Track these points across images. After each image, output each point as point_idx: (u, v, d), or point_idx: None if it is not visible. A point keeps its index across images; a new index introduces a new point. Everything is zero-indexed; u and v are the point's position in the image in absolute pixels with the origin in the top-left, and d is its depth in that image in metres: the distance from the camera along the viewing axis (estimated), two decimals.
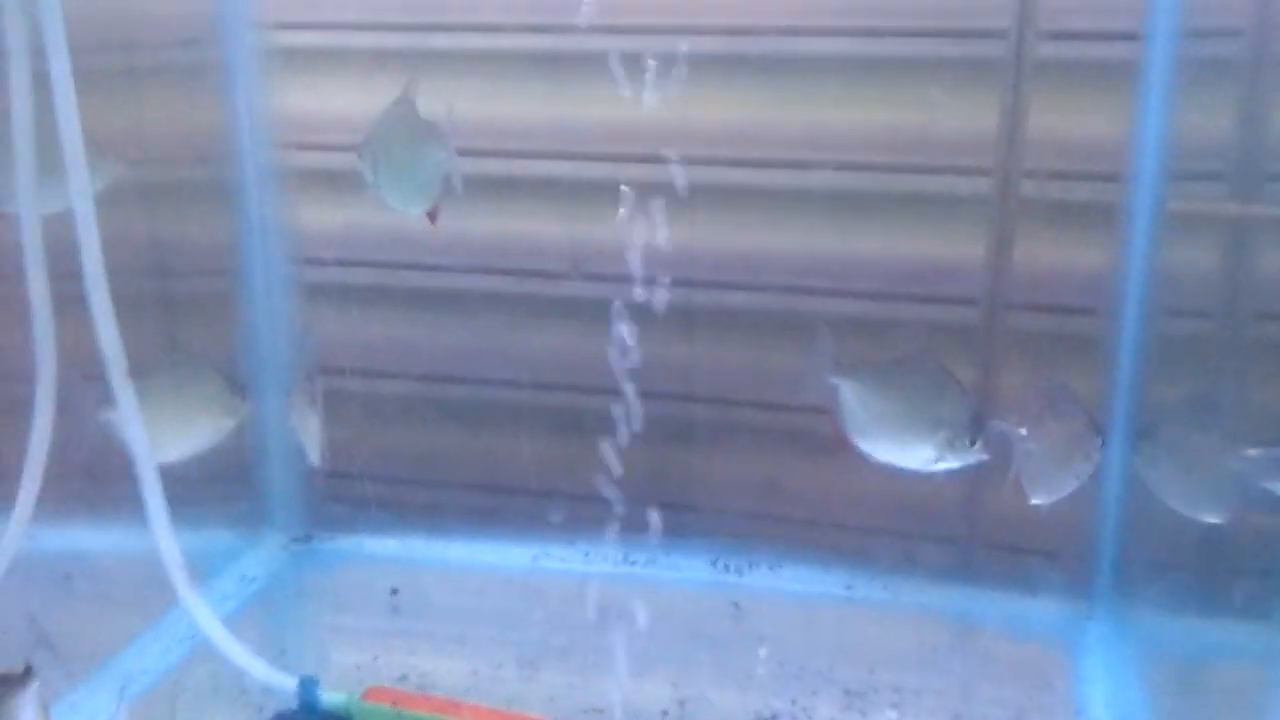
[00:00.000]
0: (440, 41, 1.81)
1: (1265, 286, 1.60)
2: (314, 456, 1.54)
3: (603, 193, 1.76)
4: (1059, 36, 1.62)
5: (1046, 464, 1.34)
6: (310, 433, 1.54)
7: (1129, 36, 1.58)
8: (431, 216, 1.49)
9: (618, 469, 1.64)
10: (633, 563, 1.83)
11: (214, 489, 1.80)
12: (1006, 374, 1.72)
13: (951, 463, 1.29)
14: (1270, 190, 1.55)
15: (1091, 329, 1.67)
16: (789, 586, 1.78)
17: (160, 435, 1.45)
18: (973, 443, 1.29)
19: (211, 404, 1.52)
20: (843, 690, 1.55)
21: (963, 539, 1.76)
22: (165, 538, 1.49)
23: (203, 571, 1.68)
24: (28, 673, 1.35)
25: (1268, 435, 1.33)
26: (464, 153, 1.55)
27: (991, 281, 1.70)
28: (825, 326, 1.36)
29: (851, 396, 1.30)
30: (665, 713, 1.51)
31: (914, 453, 1.30)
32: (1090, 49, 1.63)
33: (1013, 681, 1.30)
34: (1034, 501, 1.34)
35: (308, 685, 1.48)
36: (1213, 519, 1.32)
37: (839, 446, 1.33)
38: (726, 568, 1.81)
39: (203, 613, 1.53)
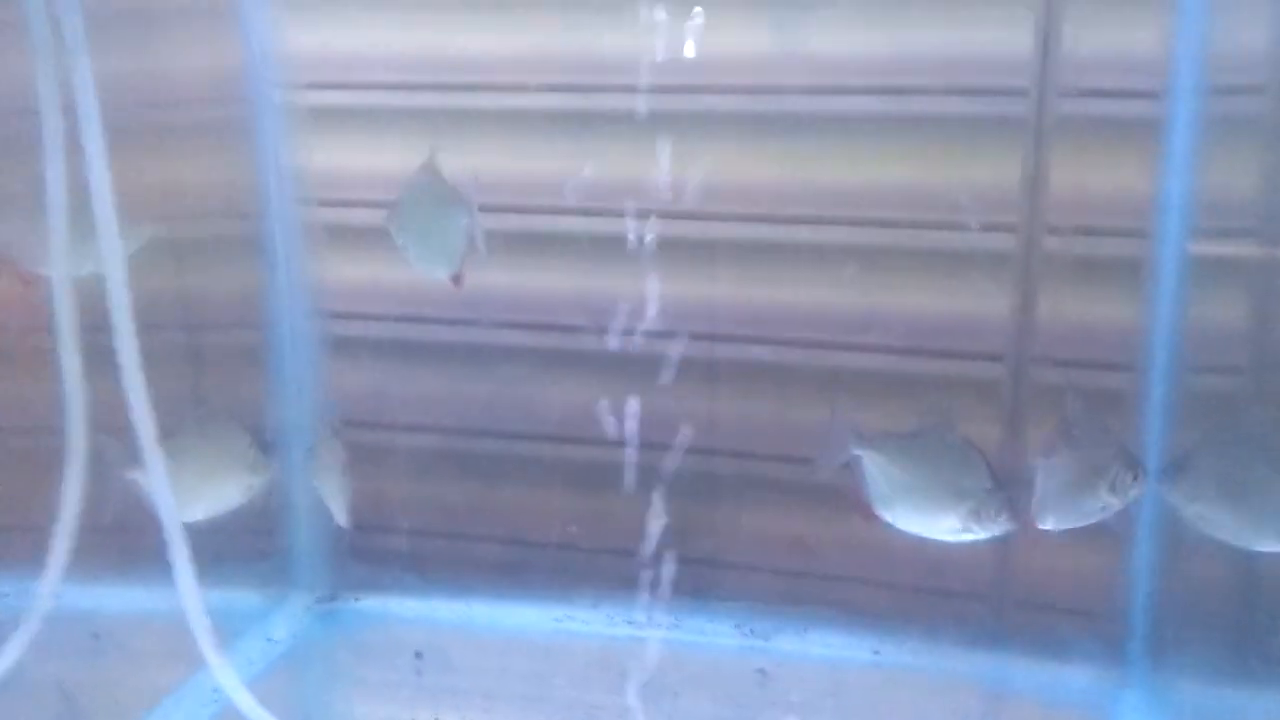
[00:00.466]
0: (464, 100, 1.84)
1: None
2: (341, 517, 1.54)
3: (624, 249, 1.77)
4: (1082, 94, 1.62)
5: (1060, 489, 1.32)
6: (336, 492, 1.54)
7: (1151, 95, 1.58)
8: (456, 280, 1.51)
9: (642, 526, 1.64)
10: (657, 626, 1.81)
11: (239, 547, 1.81)
12: (1032, 430, 1.70)
13: (978, 534, 1.29)
14: None
15: (1118, 384, 1.66)
16: (816, 651, 1.75)
17: (187, 494, 1.46)
18: (999, 513, 1.28)
19: (238, 463, 1.53)
20: None
21: (994, 598, 1.73)
22: (192, 600, 1.50)
23: (227, 632, 1.68)
24: None
25: None
26: (488, 208, 1.58)
27: (1016, 337, 1.69)
28: (845, 397, 1.36)
29: (874, 468, 1.30)
30: None
31: (939, 524, 1.30)
32: (1113, 106, 1.63)
33: None
34: (1041, 526, 1.32)
35: None
36: (1266, 547, 1.28)
37: (864, 515, 1.32)
38: (752, 632, 1.79)
39: (229, 678, 1.53)
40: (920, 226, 1.72)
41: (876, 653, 1.74)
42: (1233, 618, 1.42)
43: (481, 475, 1.92)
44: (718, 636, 1.79)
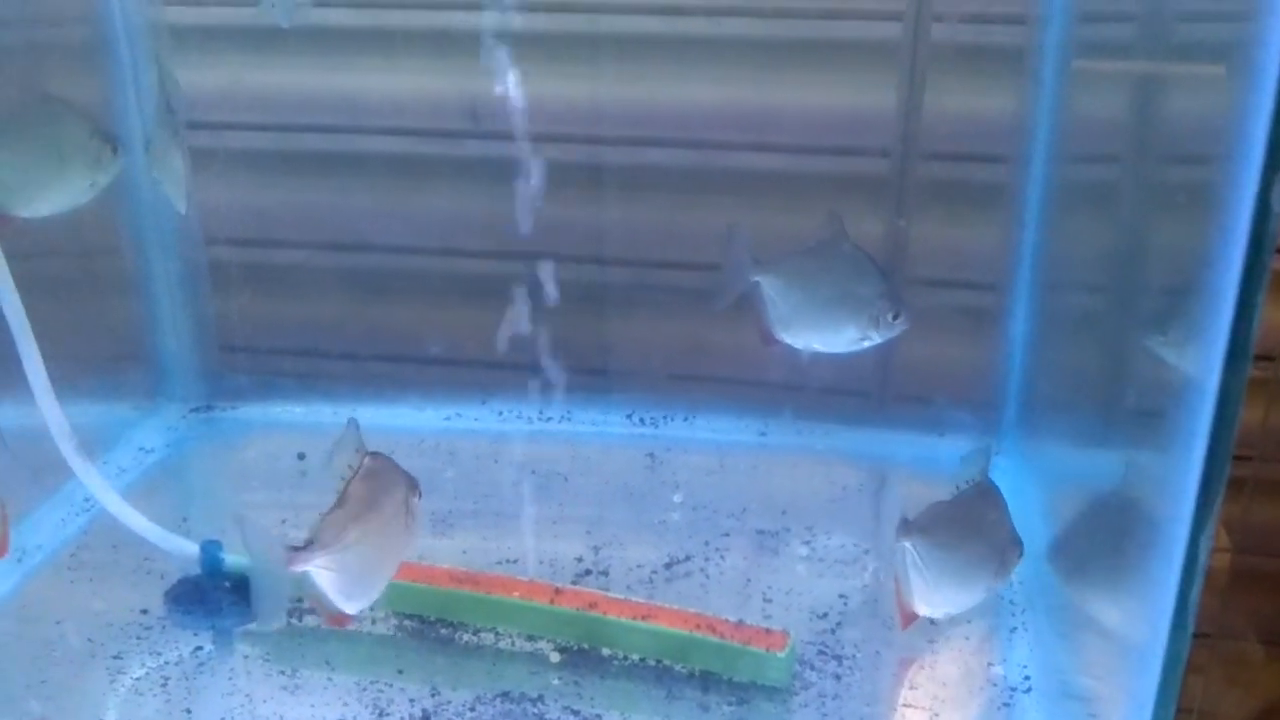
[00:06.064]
0: None
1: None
2: (180, 205, 1.41)
3: (500, 46, 1.68)
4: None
5: None
6: (175, 175, 1.36)
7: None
8: None
9: (533, 333, 1.61)
10: (547, 419, 1.81)
11: (103, 362, 1.72)
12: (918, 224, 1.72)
13: (876, 339, 1.30)
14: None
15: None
16: (703, 435, 1.78)
17: (20, 188, 1.27)
18: (895, 317, 1.29)
19: (79, 154, 1.34)
20: (755, 530, 1.57)
21: (877, 383, 1.78)
22: (49, 405, 1.42)
23: (96, 444, 1.61)
24: None
25: None
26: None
27: (903, 131, 1.68)
28: (740, 224, 1.31)
29: (773, 291, 1.28)
30: (580, 559, 1.50)
31: (840, 337, 1.30)
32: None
33: None
34: None
35: (210, 549, 1.44)
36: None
37: (766, 341, 1.31)
38: (642, 420, 1.81)
39: (95, 481, 1.47)
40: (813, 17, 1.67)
41: (763, 434, 1.77)
42: (1091, 391, 1.48)
43: (364, 286, 1.85)
44: (608, 426, 1.80)
